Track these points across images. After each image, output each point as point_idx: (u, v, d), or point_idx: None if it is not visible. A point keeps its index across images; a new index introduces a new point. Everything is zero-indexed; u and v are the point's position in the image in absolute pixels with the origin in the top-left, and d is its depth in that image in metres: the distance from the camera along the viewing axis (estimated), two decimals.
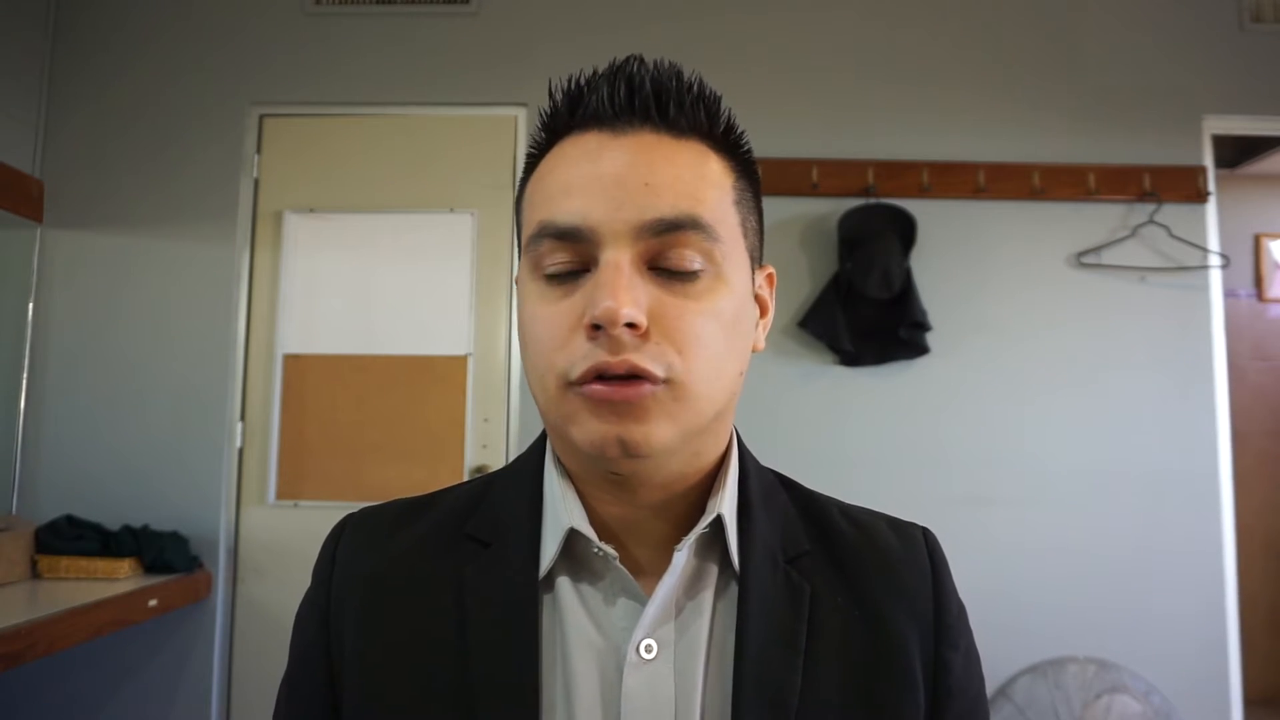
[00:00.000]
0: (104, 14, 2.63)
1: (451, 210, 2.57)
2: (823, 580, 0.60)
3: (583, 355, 0.53)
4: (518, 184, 0.63)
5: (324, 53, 2.61)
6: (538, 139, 0.61)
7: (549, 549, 0.58)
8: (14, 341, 2.49)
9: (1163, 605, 2.39)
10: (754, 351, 0.61)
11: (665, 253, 0.54)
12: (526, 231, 0.58)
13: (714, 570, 0.59)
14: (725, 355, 0.56)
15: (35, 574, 2.20)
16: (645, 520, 0.59)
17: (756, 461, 0.65)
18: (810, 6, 2.62)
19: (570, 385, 0.54)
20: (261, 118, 2.61)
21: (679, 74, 0.58)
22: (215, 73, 2.60)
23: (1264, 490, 3.55)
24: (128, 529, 2.30)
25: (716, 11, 2.61)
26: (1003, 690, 2.31)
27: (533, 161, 0.61)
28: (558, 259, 0.55)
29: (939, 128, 2.56)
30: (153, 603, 2.12)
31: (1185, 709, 2.31)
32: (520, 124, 2.59)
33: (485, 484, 0.66)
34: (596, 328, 0.52)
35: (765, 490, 0.63)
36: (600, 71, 0.58)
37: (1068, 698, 2.25)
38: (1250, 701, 2.48)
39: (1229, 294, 3.41)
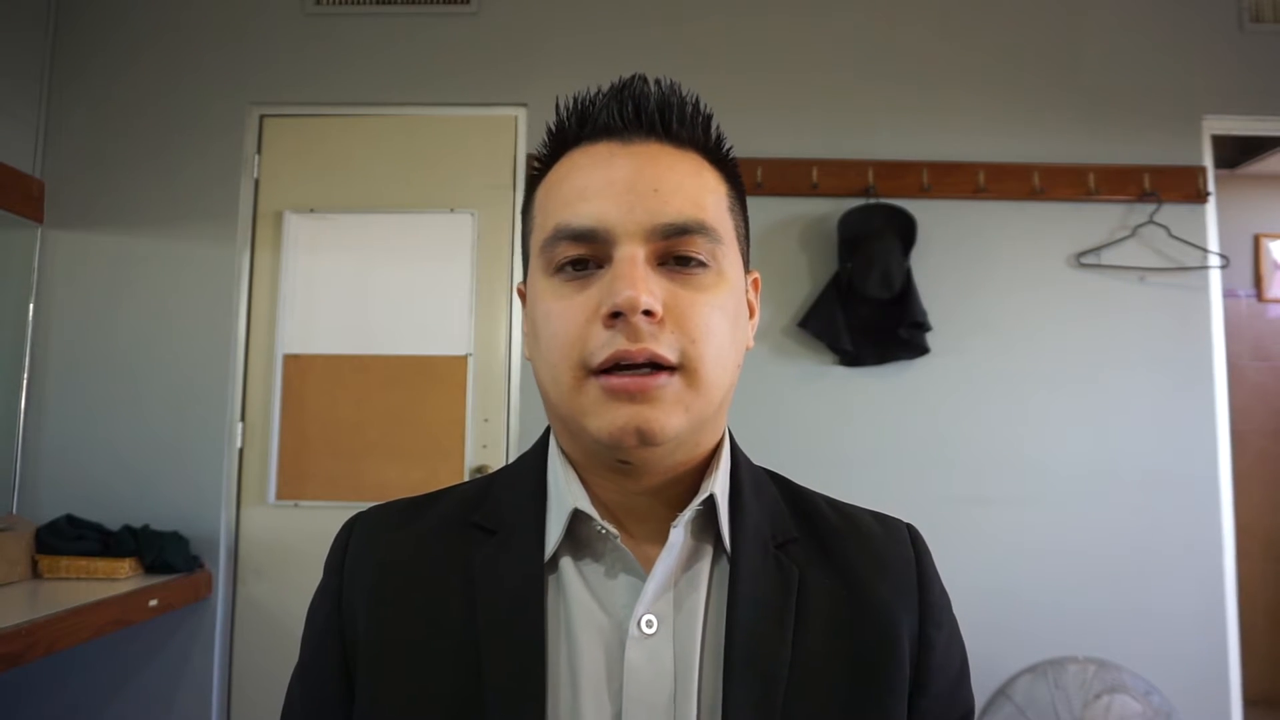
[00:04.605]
0: (104, 14, 2.63)
1: (451, 210, 2.57)
2: (810, 565, 0.63)
3: (602, 343, 0.56)
4: (524, 194, 0.67)
5: (324, 53, 2.61)
6: (544, 151, 0.65)
7: (553, 532, 0.61)
8: (14, 341, 2.49)
9: (1163, 605, 2.39)
10: (746, 349, 0.65)
11: (675, 252, 0.58)
12: (540, 235, 0.61)
13: (709, 550, 0.62)
14: (730, 345, 0.60)
15: (35, 574, 2.20)
16: (643, 503, 0.62)
17: (746, 455, 0.68)
18: (810, 7, 2.62)
19: (588, 375, 0.57)
20: (261, 118, 2.61)
21: (678, 91, 0.63)
22: (215, 73, 2.60)
23: (1264, 490, 3.55)
24: (128, 529, 2.30)
25: (717, 12, 2.61)
26: (1003, 690, 2.31)
27: (539, 172, 0.65)
28: (573, 257, 0.58)
29: (939, 128, 2.56)
30: (153, 603, 2.12)
31: (1185, 709, 2.31)
32: (520, 124, 2.59)
33: (489, 479, 0.69)
34: (615, 316, 0.55)
35: (755, 480, 0.67)
36: (607, 90, 0.62)
37: (1068, 698, 2.25)
38: (1250, 701, 2.48)
39: (1228, 294, 3.42)
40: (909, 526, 0.70)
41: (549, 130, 0.64)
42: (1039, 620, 2.38)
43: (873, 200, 2.48)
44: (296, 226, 2.57)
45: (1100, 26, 2.61)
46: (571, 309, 0.58)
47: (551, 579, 0.61)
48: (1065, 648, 2.35)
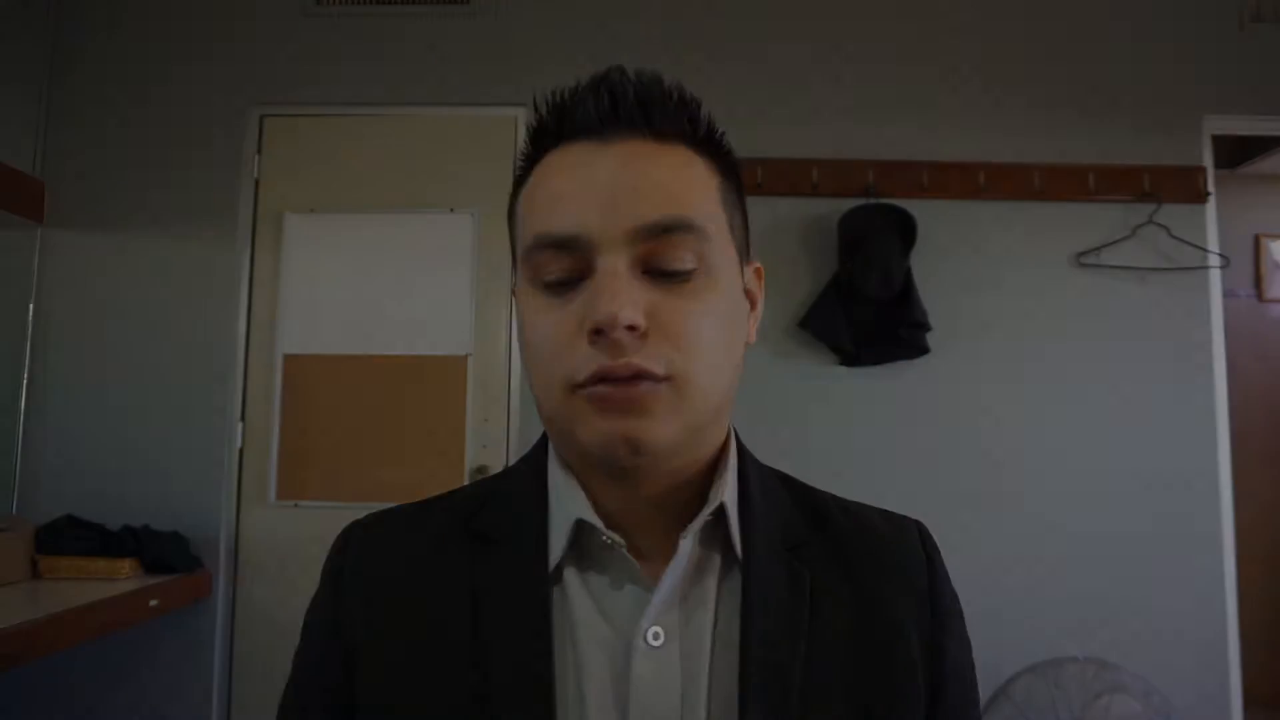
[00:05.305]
0: (104, 14, 2.63)
1: (451, 210, 2.57)
2: (822, 569, 0.62)
3: (585, 360, 0.54)
4: (508, 198, 0.64)
5: (324, 53, 2.61)
6: (524, 153, 0.62)
7: (557, 543, 0.60)
8: (14, 341, 2.49)
9: (1163, 605, 2.39)
10: (746, 344, 0.62)
11: (659, 255, 0.55)
12: (522, 243, 0.59)
13: (717, 558, 0.60)
14: (722, 350, 0.57)
15: (35, 574, 2.20)
16: (647, 511, 0.60)
17: (754, 456, 0.66)
18: (811, 8, 2.62)
19: (575, 389, 0.55)
20: (262, 118, 2.61)
21: (660, 81, 0.59)
22: (215, 73, 2.60)
23: (1264, 490, 3.54)
24: (128, 529, 2.30)
25: (715, 12, 2.61)
26: (1003, 690, 2.31)
27: (521, 176, 0.62)
28: (555, 268, 0.56)
29: (939, 128, 2.56)
30: (153, 603, 2.12)
31: (1185, 709, 2.31)
32: (520, 124, 2.58)
33: (489, 485, 0.67)
34: (598, 332, 0.53)
35: (763, 483, 0.65)
36: (583, 84, 0.59)
37: (1068, 698, 2.25)
38: (1250, 701, 2.48)
39: (1229, 294, 3.40)
40: (919, 525, 0.68)
41: (528, 129, 0.62)
42: (1039, 620, 2.38)
43: (873, 200, 2.48)
44: (296, 227, 2.57)
45: (1100, 26, 2.60)
46: (556, 324, 0.56)
47: (556, 590, 0.59)
48: (1065, 648, 2.35)
